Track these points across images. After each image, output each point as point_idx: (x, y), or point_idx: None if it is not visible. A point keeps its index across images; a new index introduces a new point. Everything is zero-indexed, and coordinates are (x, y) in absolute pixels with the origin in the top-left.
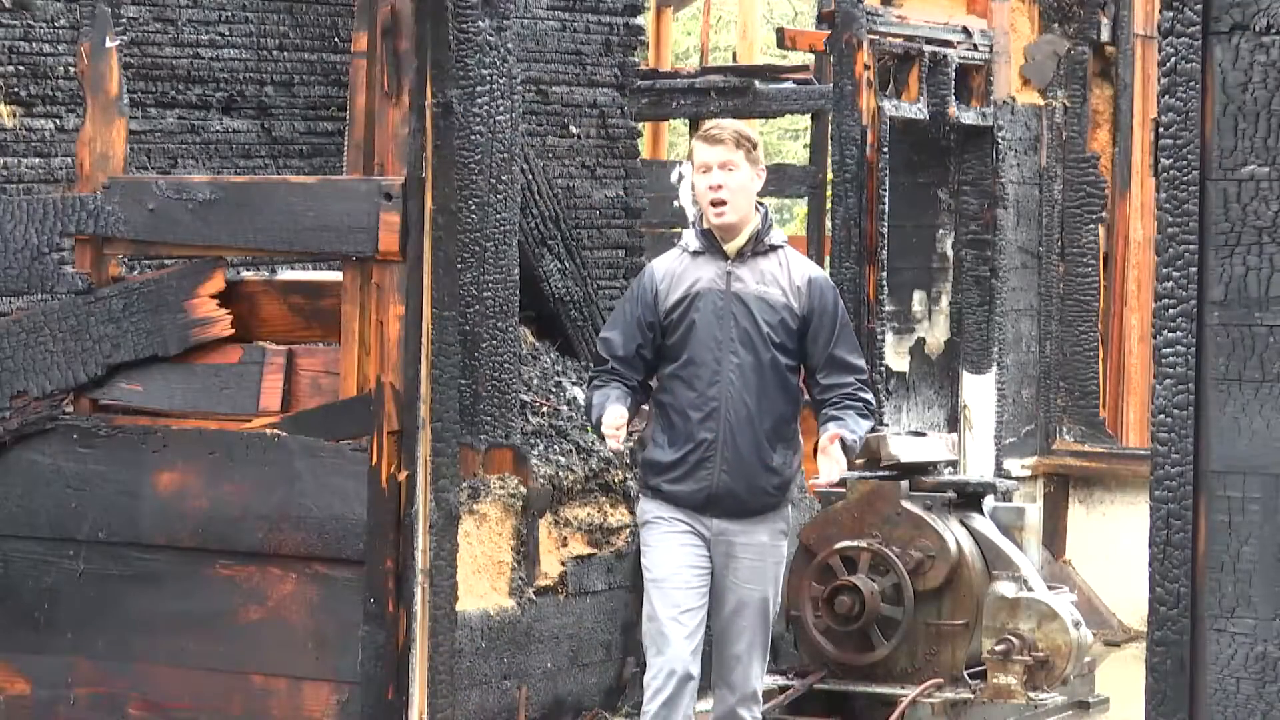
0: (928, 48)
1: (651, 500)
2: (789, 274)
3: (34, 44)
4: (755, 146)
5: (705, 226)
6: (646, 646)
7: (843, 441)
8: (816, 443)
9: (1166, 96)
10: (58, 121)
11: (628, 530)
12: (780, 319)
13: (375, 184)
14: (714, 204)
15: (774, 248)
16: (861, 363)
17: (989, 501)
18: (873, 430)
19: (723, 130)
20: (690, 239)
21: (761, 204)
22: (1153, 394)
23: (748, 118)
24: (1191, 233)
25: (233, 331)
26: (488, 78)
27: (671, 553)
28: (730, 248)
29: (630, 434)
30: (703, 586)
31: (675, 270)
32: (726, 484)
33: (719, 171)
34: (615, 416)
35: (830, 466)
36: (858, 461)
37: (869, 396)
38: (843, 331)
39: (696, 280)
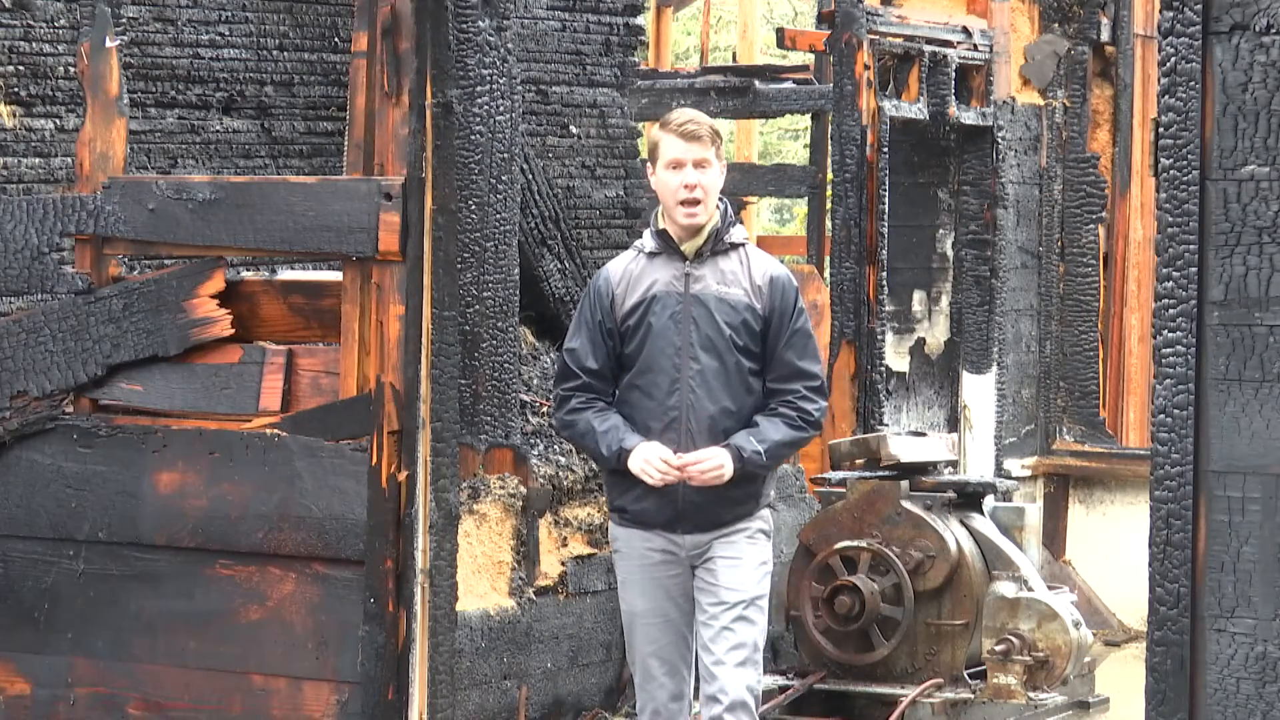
0: (928, 48)
1: (619, 526)
2: (750, 272)
3: (34, 44)
4: (721, 140)
5: (661, 226)
6: (634, 679)
7: (739, 452)
8: None
9: (1166, 96)
10: (58, 121)
11: None
12: (742, 320)
13: (375, 184)
14: (686, 203)
15: (735, 245)
16: (814, 368)
17: (989, 501)
18: (809, 438)
19: (699, 126)
20: (647, 239)
21: (722, 200)
22: (1153, 394)
23: (747, 118)
24: (1191, 233)
25: (233, 331)
26: (488, 78)
27: (646, 589)
28: (688, 247)
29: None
30: (681, 618)
31: (632, 272)
32: (692, 498)
33: (694, 170)
34: (658, 449)
35: (701, 465)
36: (858, 461)
37: (812, 406)
38: (796, 334)
39: (654, 282)
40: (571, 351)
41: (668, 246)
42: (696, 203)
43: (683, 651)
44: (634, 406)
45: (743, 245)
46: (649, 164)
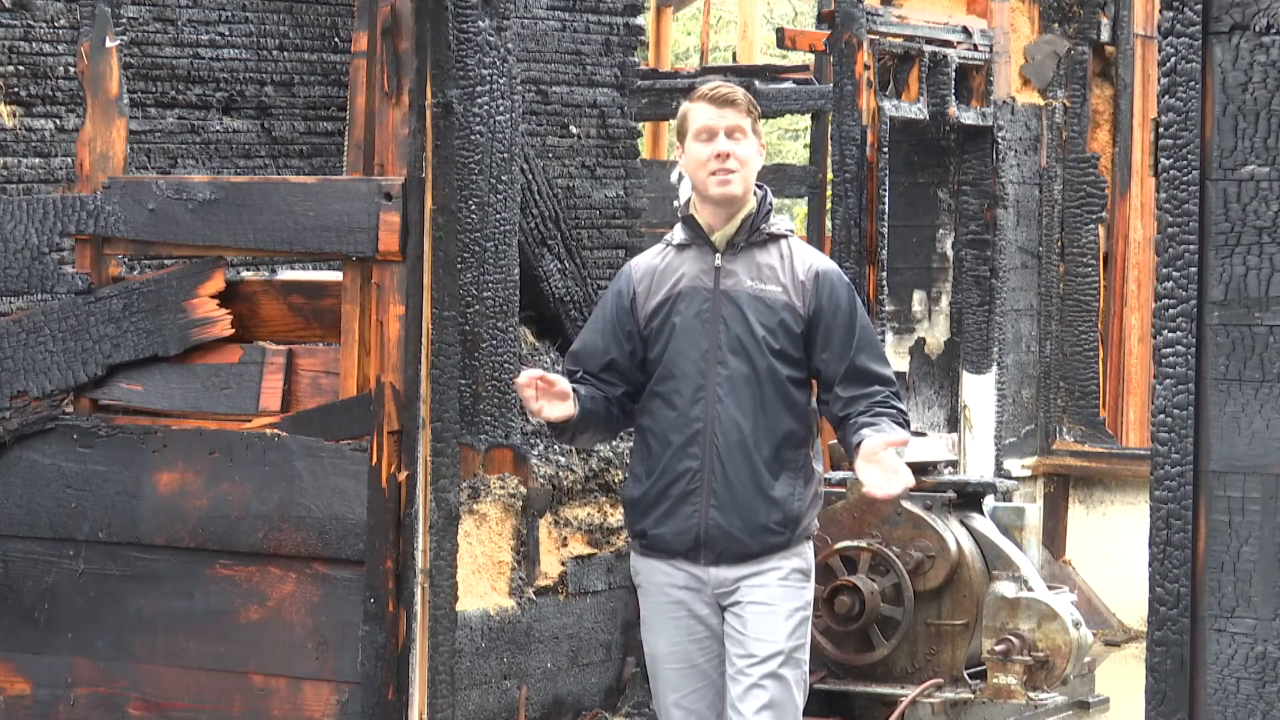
0: (928, 48)
1: (639, 556)
2: (791, 267)
3: (34, 44)
4: (760, 118)
5: (689, 212)
6: None
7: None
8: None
9: (1166, 96)
10: (58, 121)
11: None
12: (780, 320)
13: (375, 184)
14: (718, 172)
15: (775, 237)
16: (889, 371)
17: (989, 501)
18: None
19: (734, 90)
20: (676, 231)
21: (761, 186)
22: (1153, 394)
23: None
24: (1191, 233)
25: (233, 331)
26: (488, 78)
27: (667, 630)
28: (719, 237)
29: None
30: (708, 663)
31: (657, 267)
32: (718, 523)
33: (726, 139)
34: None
35: (885, 475)
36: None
37: (902, 406)
38: (863, 335)
39: (680, 278)
40: (574, 355)
41: (697, 236)
42: (730, 172)
43: (711, 700)
44: (654, 417)
45: (785, 238)
46: (678, 145)
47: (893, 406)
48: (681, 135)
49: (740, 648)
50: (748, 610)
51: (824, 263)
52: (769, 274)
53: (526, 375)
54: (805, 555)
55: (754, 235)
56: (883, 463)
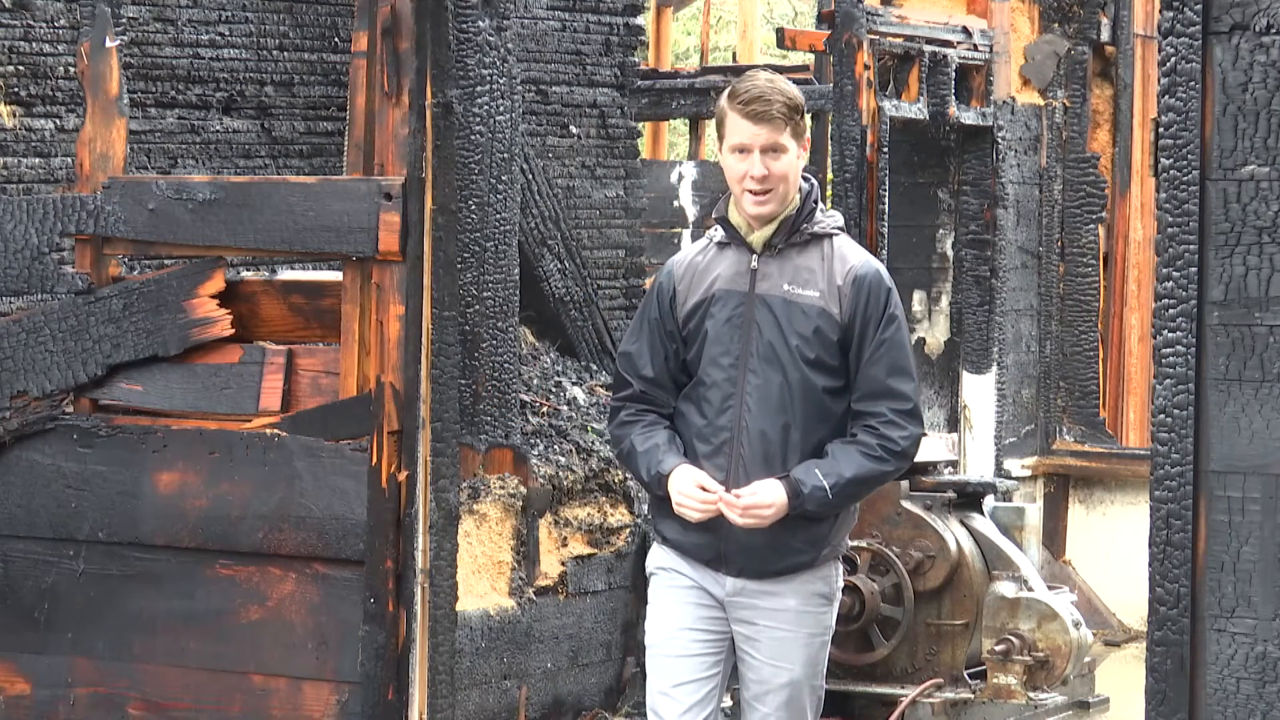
0: (928, 48)
1: (660, 548)
2: (830, 270)
3: (34, 44)
4: (803, 114)
5: (721, 214)
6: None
7: (798, 487)
8: None
9: (1166, 96)
10: (58, 121)
11: (628, 530)
12: (815, 328)
13: (375, 184)
14: (754, 192)
15: (820, 237)
16: (906, 386)
17: (989, 501)
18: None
19: (771, 104)
20: (718, 228)
21: (808, 179)
22: (1153, 394)
23: None
24: (1191, 233)
25: (233, 331)
26: (488, 78)
27: (670, 613)
28: (756, 238)
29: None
30: (708, 655)
31: (698, 265)
32: (739, 537)
33: (762, 157)
34: (694, 477)
35: (744, 502)
36: None
37: (898, 434)
38: (883, 345)
39: (716, 278)
40: (626, 356)
41: (735, 236)
42: (766, 192)
43: (708, 691)
44: (684, 423)
45: (830, 237)
46: (717, 137)
47: (879, 434)
48: (720, 134)
49: (754, 672)
50: (763, 635)
51: (865, 265)
52: (807, 277)
53: (701, 491)
54: (829, 578)
55: (794, 236)
56: (736, 500)
